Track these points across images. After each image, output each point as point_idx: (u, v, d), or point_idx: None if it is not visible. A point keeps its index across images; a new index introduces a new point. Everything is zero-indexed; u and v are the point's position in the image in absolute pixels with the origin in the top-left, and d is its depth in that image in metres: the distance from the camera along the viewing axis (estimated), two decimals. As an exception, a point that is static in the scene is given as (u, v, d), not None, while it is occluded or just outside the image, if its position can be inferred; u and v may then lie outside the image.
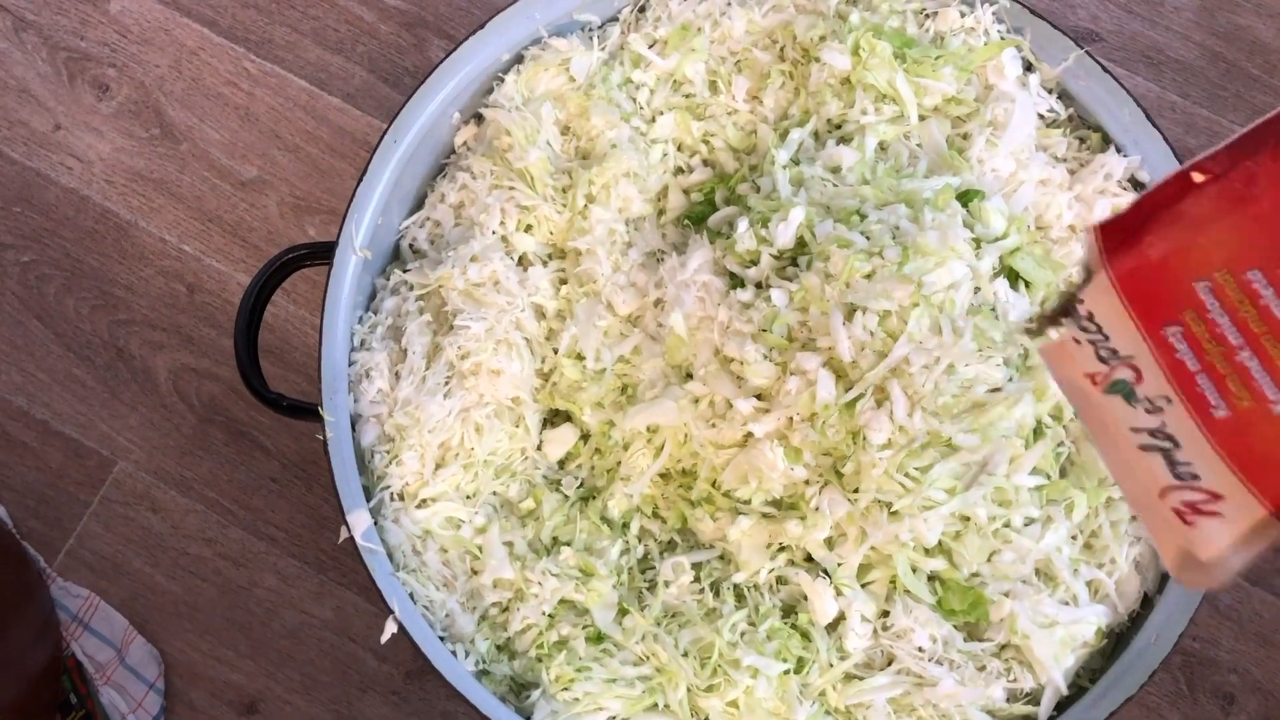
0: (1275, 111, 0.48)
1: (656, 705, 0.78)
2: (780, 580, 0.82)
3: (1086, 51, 0.85)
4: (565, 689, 0.78)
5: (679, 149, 0.90)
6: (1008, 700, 0.79)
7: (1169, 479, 0.48)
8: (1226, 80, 1.16)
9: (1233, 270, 0.47)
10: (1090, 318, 0.52)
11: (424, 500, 0.82)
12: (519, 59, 0.90)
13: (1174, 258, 0.49)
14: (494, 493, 0.85)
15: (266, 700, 1.06)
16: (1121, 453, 0.50)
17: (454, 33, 1.19)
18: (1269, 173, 0.47)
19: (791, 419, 0.78)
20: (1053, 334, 0.53)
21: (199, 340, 1.13)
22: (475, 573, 0.82)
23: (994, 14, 0.88)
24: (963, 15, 0.88)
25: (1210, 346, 0.47)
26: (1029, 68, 0.89)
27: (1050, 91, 0.89)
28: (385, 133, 0.84)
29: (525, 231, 0.88)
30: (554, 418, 0.88)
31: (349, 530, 0.78)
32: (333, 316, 0.82)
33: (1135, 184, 0.87)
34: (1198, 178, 0.49)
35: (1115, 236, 0.51)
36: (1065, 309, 0.53)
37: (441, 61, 0.85)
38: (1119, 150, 0.87)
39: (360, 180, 0.84)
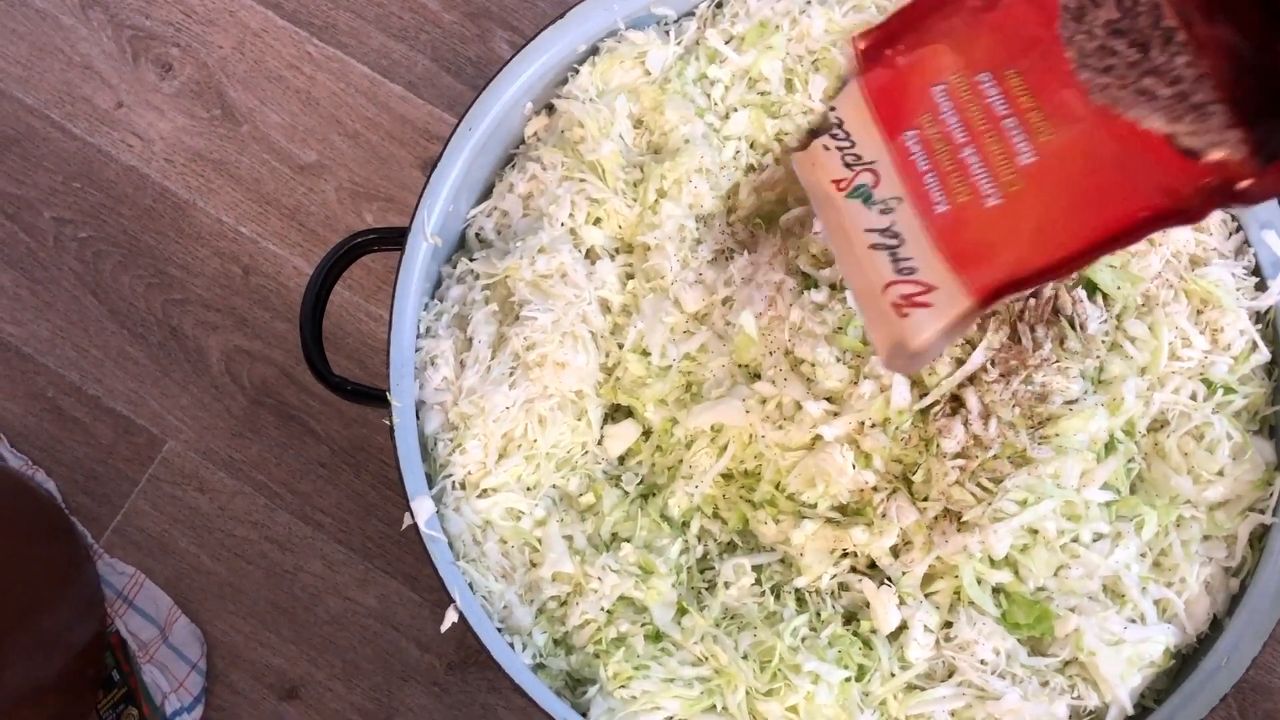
0: None
1: (715, 707, 0.77)
2: (842, 587, 0.81)
3: None
4: (623, 686, 0.77)
5: (752, 147, 0.89)
6: (1071, 718, 0.77)
7: (891, 274, 0.52)
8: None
9: (966, 73, 0.50)
10: (840, 125, 0.56)
11: (485, 490, 0.81)
12: (594, 51, 0.90)
13: (917, 65, 0.53)
14: (554, 485, 0.84)
15: (307, 685, 1.06)
16: (855, 253, 0.54)
17: (517, 24, 1.18)
18: None
19: (863, 423, 0.77)
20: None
21: (253, 322, 1.13)
22: (534, 565, 0.81)
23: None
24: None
25: (940, 147, 0.50)
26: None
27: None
28: (460, 121, 0.83)
29: (594, 224, 0.87)
30: (615, 413, 0.87)
31: (412, 517, 0.77)
32: (403, 302, 0.81)
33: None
34: None
35: (871, 49, 0.55)
36: (825, 125, 0.56)
37: (518, 51, 0.85)
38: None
39: (434, 167, 0.83)
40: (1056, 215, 0.47)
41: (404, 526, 0.78)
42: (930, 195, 0.51)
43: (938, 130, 0.51)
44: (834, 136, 0.56)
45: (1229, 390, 0.81)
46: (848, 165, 0.54)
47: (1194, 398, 0.81)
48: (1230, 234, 0.85)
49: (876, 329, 0.54)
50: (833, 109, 0.56)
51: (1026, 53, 0.49)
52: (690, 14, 0.91)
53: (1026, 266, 0.47)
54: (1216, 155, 0.43)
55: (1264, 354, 0.82)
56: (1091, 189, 0.46)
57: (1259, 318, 0.83)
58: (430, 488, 0.81)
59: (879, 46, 0.55)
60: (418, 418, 0.83)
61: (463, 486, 0.82)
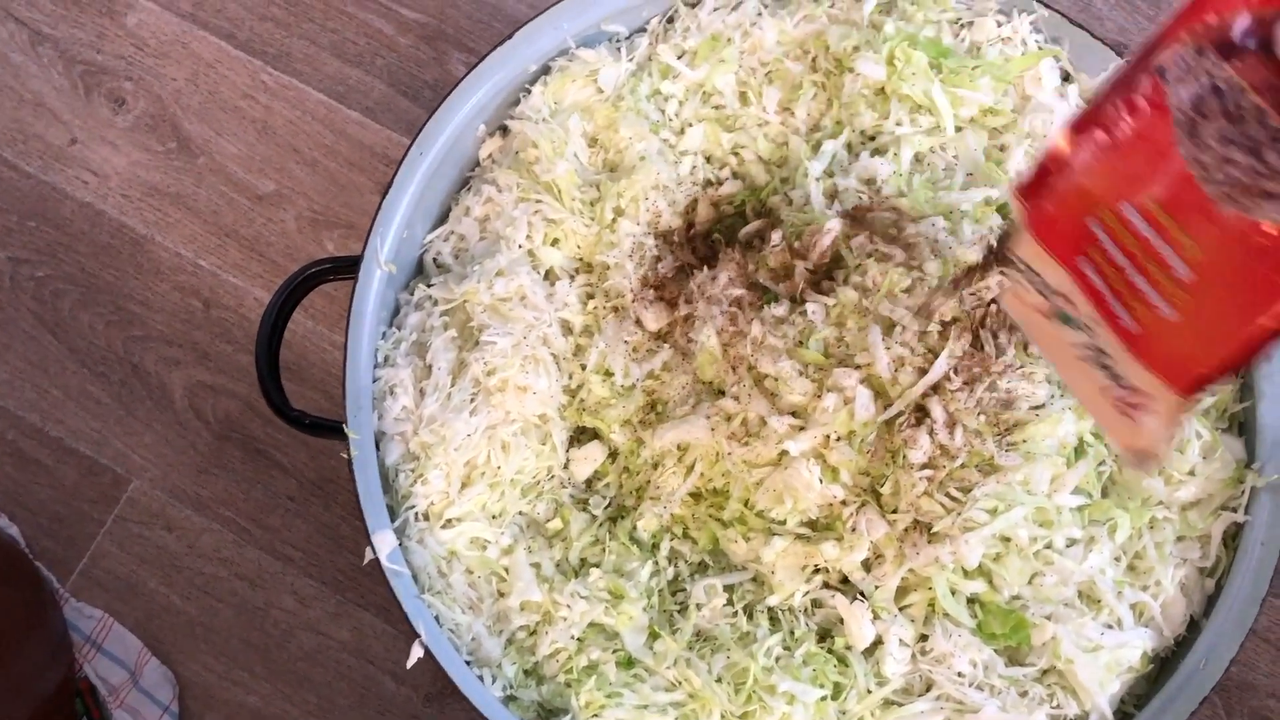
0: (1120, 67, 0.54)
1: (690, 732, 0.75)
2: (815, 603, 0.80)
3: (1128, 61, 0.83)
4: (595, 716, 0.76)
5: (708, 161, 0.88)
6: (1051, 727, 0.77)
7: (1105, 381, 0.56)
8: (1257, 93, 1.14)
9: (1110, 207, 0.54)
10: (1026, 264, 0.61)
11: (449, 520, 0.80)
12: (546, 70, 0.89)
13: (1067, 204, 0.57)
14: (520, 512, 0.83)
15: (283, 724, 1.04)
16: (1070, 366, 0.58)
17: (474, 46, 1.17)
18: (1118, 116, 0.55)
19: (828, 437, 0.76)
20: (994, 280, 0.63)
21: (215, 356, 1.11)
22: (502, 595, 0.80)
23: (1031, 23, 0.86)
24: (999, 25, 0.86)
25: (1110, 272, 0.55)
26: (1067, 78, 0.87)
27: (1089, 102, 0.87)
28: (411, 144, 0.83)
29: (552, 245, 0.86)
30: (581, 435, 0.86)
31: (374, 552, 0.76)
32: (357, 332, 0.80)
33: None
34: (1073, 134, 0.57)
35: (1027, 194, 0.60)
36: (995, 259, 0.63)
37: (468, 73, 0.84)
38: (1160, 162, 0.85)
39: (385, 193, 0.82)
40: (1229, 317, 0.50)
41: (365, 561, 0.76)
42: (1116, 314, 0.55)
43: (1103, 258, 0.55)
44: (1023, 273, 0.61)
45: (1197, 389, 0.80)
46: (1043, 294, 0.59)
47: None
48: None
49: (1111, 430, 0.59)
50: (1014, 252, 0.61)
51: (1156, 178, 0.52)
52: (641, 30, 0.90)
53: (1220, 361, 0.51)
54: None
55: (1230, 351, 0.81)
56: (1249, 289, 0.49)
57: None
58: (393, 520, 0.79)
59: (1034, 192, 0.60)
60: (378, 449, 0.81)
61: (426, 517, 0.81)
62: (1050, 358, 0.64)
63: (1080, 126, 0.57)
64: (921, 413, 0.75)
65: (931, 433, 0.74)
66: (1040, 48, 0.87)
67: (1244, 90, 0.46)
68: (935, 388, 0.74)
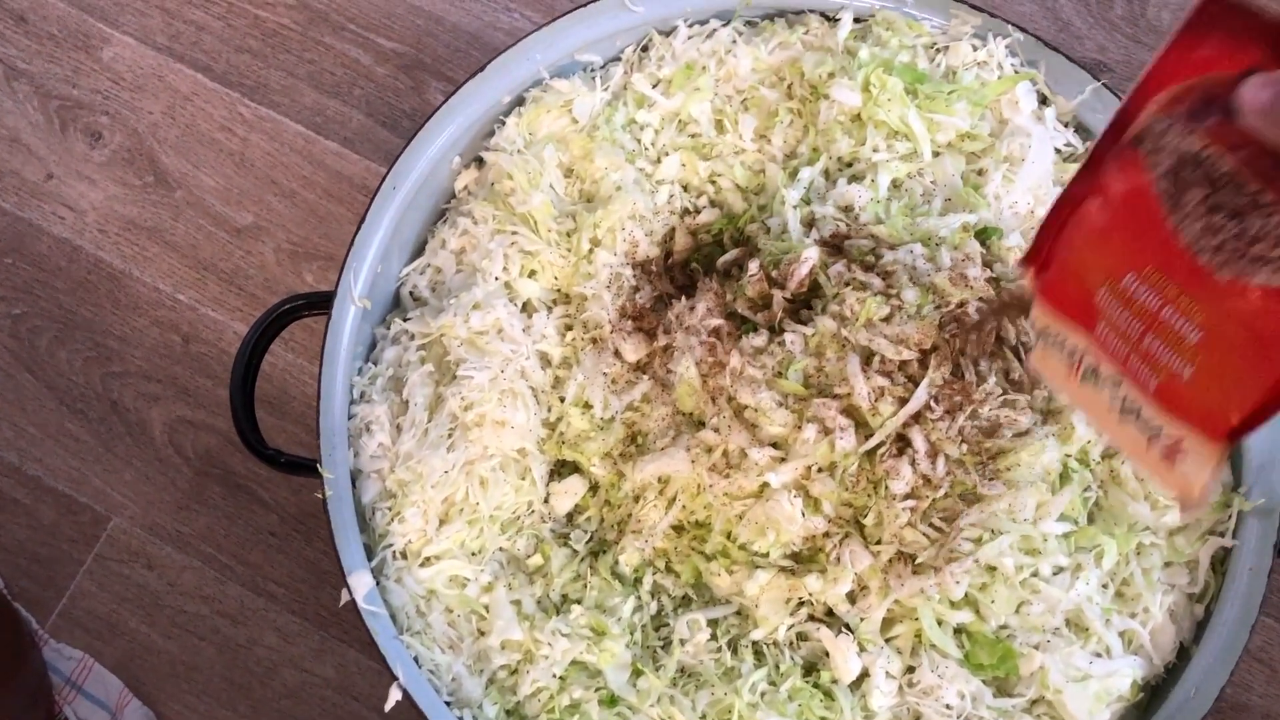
0: (1097, 142, 0.54)
1: (674, 772, 0.74)
2: (800, 637, 0.79)
3: (1104, 84, 0.83)
4: (578, 755, 0.74)
5: (685, 190, 0.88)
6: (1041, 759, 0.75)
7: (1146, 433, 0.56)
8: (1239, 109, 1.14)
9: (1113, 280, 0.55)
10: (1048, 330, 0.61)
11: (428, 559, 0.79)
12: (520, 101, 0.88)
13: (1072, 280, 0.58)
14: (500, 549, 0.82)
15: (267, 763, 1.03)
16: (1111, 423, 0.58)
17: (452, 75, 1.17)
18: (1104, 190, 0.54)
19: (810, 468, 0.75)
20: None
21: (195, 391, 1.10)
22: (482, 633, 0.79)
23: (1007, 47, 0.86)
24: (975, 49, 0.86)
25: (1128, 337, 0.55)
26: (1044, 101, 0.87)
27: (1067, 125, 0.86)
28: (384, 178, 0.82)
29: (529, 277, 0.85)
30: (561, 469, 0.85)
31: (350, 593, 0.75)
32: (331, 370, 0.79)
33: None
34: (1069, 193, 0.57)
35: (1032, 264, 0.60)
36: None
37: (441, 105, 0.83)
38: (1139, 184, 0.84)
39: (359, 228, 0.81)
40: (1246, 375, 0.51)
41: (341, 603, 0.75)
42: (1140, 374, 0.55)
43: (1117, 325, 0.56)
44: (1046, 340, 0.61)
45: (1182, 412, 0.79)
46: (1071, 358, 0.60)
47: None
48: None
49: (1161, 481, 0.59)
50: (1037, 322, 0.62)
51: (1151, 249, 0.52)
52: (616, 59, 0.90)
53: (1251, 413, 0.51)
54: None
55: (1214, 373, 0.80)
56: (1259, 346, 0.50)
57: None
58: (370, 559, 0.78)
59: (1039, 262, 0.60)
60: (354, 486, 0.80)
61: (404, 556, 0.79)
62: (1089, 416, 0.63)
63: (1073, 194, 0.57)
64: (903, 442, 0.74)
65: (913, 463, 0.73)
66: (1016, 71, 0.86)
67: (1218, 157, 0.46)
68: (916, 417, 0.73)
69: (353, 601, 0.77)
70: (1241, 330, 0.50)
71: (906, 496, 0.74)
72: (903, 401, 0.73)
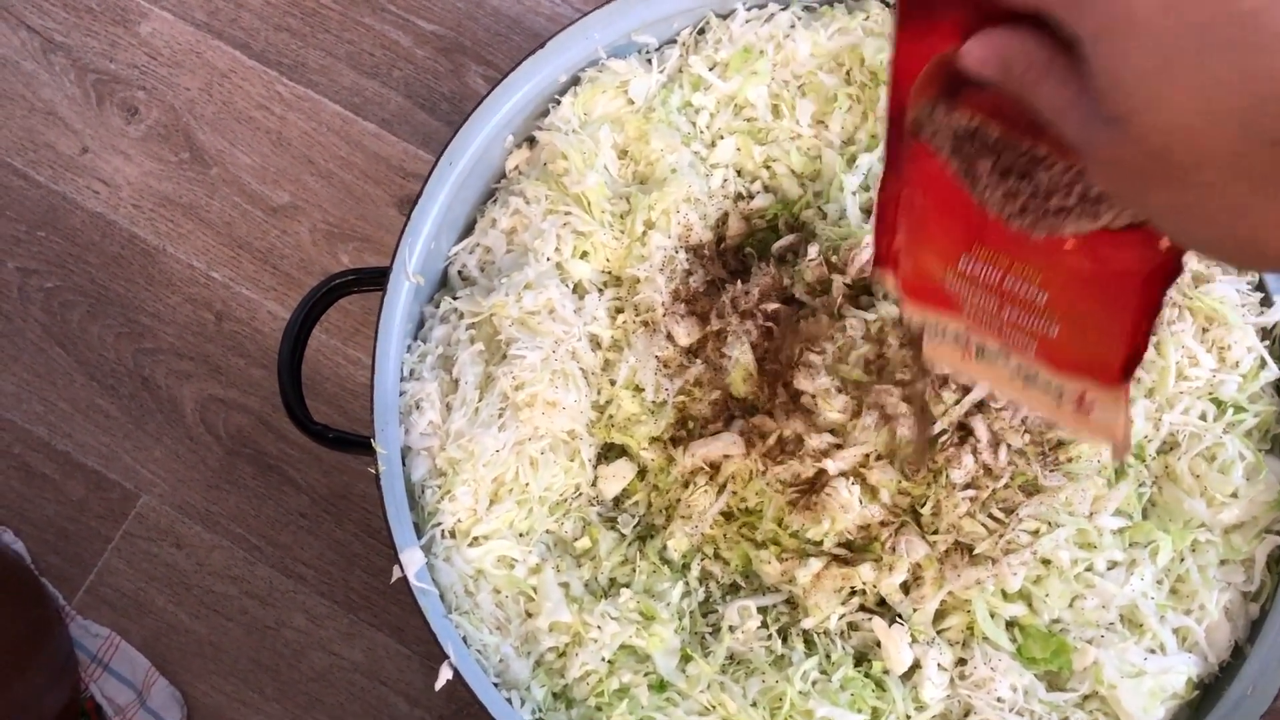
0: (883, 143, 0.54)
1: (724, 758, 0.73)
2: (852, 626, 0.78)
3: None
4: (627, 740, 0.73)
5: (740, 174, 0.87)
6: (1093, 755, 0.75)
7: (1052, 397, 0.55)
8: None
9: (950, 264, 0.54)
10: (925, 323, 0.59)
11: (477, 538, 0.78)
12: (575, 81, 0.87)
13: (920, 270, 0.57)
14: (548, 530, 0.81)
15: (293, 747, 1.02)
16: (1018, 393, 0.57)
17: (491, 58, 1.16)
18: (911, 183, 0.54)
19: (868, 456, 0.74)
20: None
21: (227, 370, 1.09)
22: (530, 615, 0.78)
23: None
24: (1037, 38, 0.85)
25: (990, 311, 0.55)
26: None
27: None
28: (440, 155, 0.81)
29: (581, 258, 0.84)
30: (609, 453, 0.84)
31: (401, 569, 0.74)
32: (385, 345, 0.78)
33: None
34: (884, 195, 0.56)
35: (884, 265, 0.59)
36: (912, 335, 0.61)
37: (498, 83, 0.82)
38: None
39: (415, 203, 0.80)
40: (1103, 316, 0.51)
41: (393, 579, 0.74)
42: (1018, 341, 0.55)
43: (975, 304, 0.55)
44: (930, 333, 0.60)
45: (1239, 409, 0.79)
46: (959, 342, 0.59)
47: (1204, 418, 0.79)
48: (1231, 249, 0.83)
49: (1086, 433, 0.59)
50: (908, 320, 0.61)
51: (969, 227, 0.52)
52: (672, 41, 0.89)
53: (1129, 350, 0.51)
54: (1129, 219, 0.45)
55: (1273, 371, 0.80)
56: (1100, 289, 0.50)
57: (1266, 334, 0.81)
58: (419, 537, 0.77)
59: (891, 265, 0.60)
60: (403, 464, 0.79)
61: (453, 535, 0.78)
62: (998, 390, 0.63)
63: (888, 202, 0.57)
64: (965, 431, 0.73)
65: (975, 452, 0.72)
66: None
67: (985, 124, 0.46)
68: (979, 406, 0.72)
69: (385, 582, 0.76)
70: (1078, 280, 0.50)
71: (966, 486, 0.73)
72: (966, 390, 0.72)
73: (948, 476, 0.73)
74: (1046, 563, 0.76)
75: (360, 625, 1.04)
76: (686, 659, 0.76)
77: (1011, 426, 0.72)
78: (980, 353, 0.57)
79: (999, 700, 0.75)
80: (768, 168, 0.86)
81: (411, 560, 0.74)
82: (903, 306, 0.60)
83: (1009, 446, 0.73)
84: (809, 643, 0.77)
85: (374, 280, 0.81)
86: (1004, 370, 0.57)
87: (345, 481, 1.07)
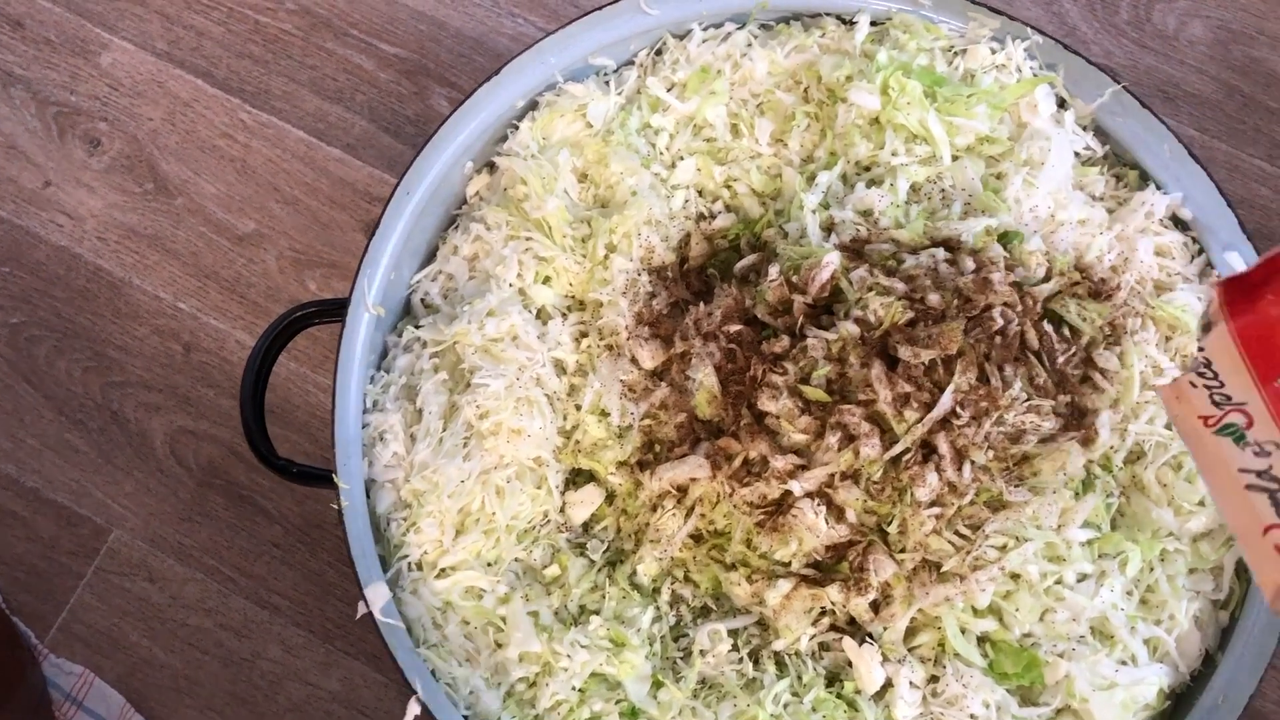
0: None
1: (697, 784, 0.73)
2: (823, 647, 0.78)
3: (1124, 87, 0.82)
4: (599, 769, 0.73)
5: (701, 194, 0.87)
6: (1067, 769, 0.75)
7: (1273, 517, 0.51)
8: (1244, 114, 1.14)
9: None
10: (1208, 365, 0.54)
11: (444, 570, 0.78)
12: (533, 105, 0.87)
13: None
14: (516, 559, 0.81)
15: (272, 780, 1.01)
16: (1228, 489, 0.53)
17: (455, 80, 1.16)
18: None
19: (833, 476, 0.74)
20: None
21: (196, 401, 1.09)
22: (500, 645, 0.78)
23: (1025, 50, 0.85)
24: (993, 52, 0.85)
25: None
26: (1063, 104, 0.86)
27: (1085, 128, 0.86)
28: (397, 184, 0.81)
29: (543, 283, 0.84)
30: (576, 478, 0.84)
31: (367, 605, 0.73)
32: (345, 378, 0.78)
33: (1178, 222, 0.84)
34: None
35: (1236, 292, 0.53)
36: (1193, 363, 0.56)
37: (456, 109, 0.82)
38: (1159, 187, 0.84)
39: (372, 234, 0.80)
40: None
41: (359, 615, 0.74)
42: None
43: None
44: (1200, 374, 0.55)
45: (1204, 417, 0.79)
46: (1215, 403, 0.54)
47: (1169, 427, 0.79)
48: (1193, 257, 0.84)
49: (1260, 568, 0.53)
50: (1201, 349, 0.55)
51: None
52: (630, 63, 0.89)
53: None
54: None
55: (1236, 378, 0.79)
56: None
57: (1228, 341, 0.81)
58: (385, 571, 0.77)
59: (1247, 293, 0.54)
60: (368, 497, 0.79)
61: (419, 567, 0.78)
62: (1204, 474, 0.57)
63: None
64: (928, 449, 0.73)
65: (939, 469, 0.72)
66: (1035, 74, 0.85)
67: None
68: (942, 423, 0.72)
69: (366, 614, 0.76)
70: None
71: (932, 504, 0.73)
72: (928, 407, 0.72)
73: (913, 495, 0.73)
74: (1016, 577, 0.75)
75: (337, 654, 1.03)
76: (658, 685, 0.76)
77: (974, 443, 0.72)
78: (1230, 429, 0.53)
79: (972, 717, 0.75)
80: (728, 187, 0.86)
81: (376, 595, 0.74)
82: (1214, 330, 0.54)
83: (973, 463, 0.73)
84: (780, 665, 0.77)
85: (334, 312, 0.81)
86: (1236, 459, 0.52)
87: (318, 510, 1.06)
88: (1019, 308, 0.75)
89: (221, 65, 1.16)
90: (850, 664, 0.76)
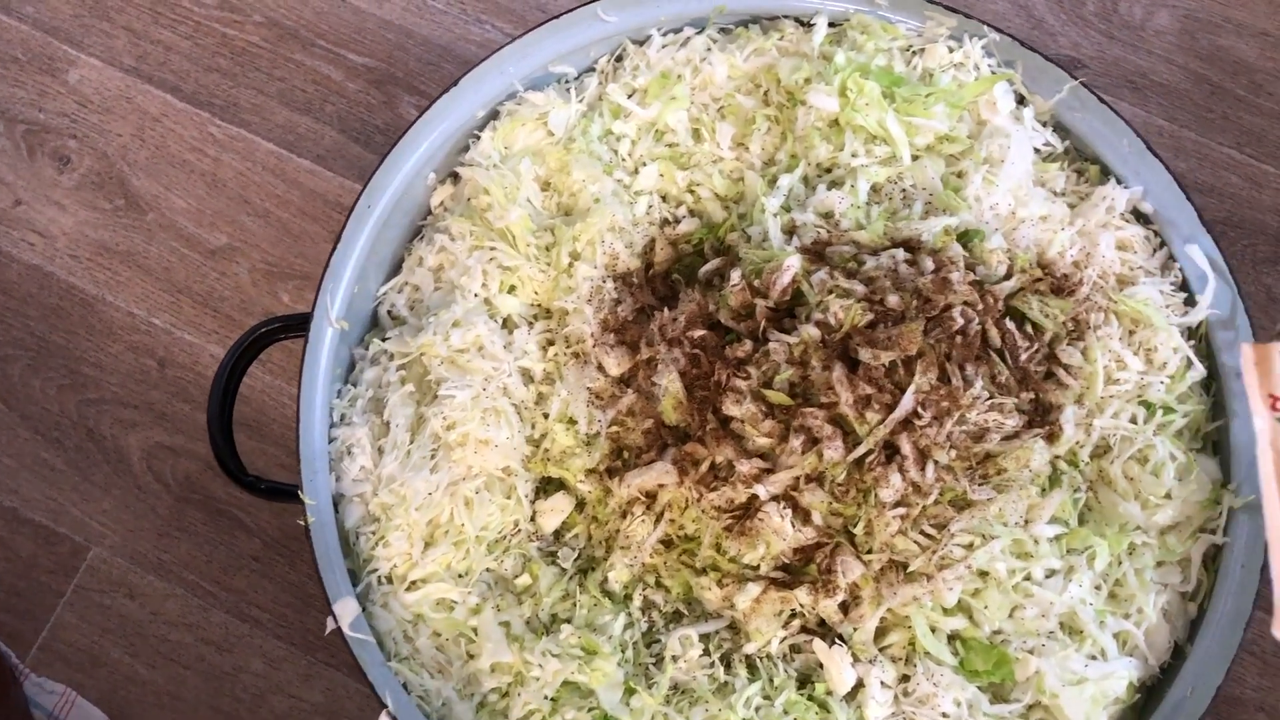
0: None
1: (671, 790, 0.73)
2: (794, 649, 0.78)
3: (1081, 82, 0.83)
4: (573, 778, 0.73)
5: (664, 200, 0.87)
6: (1039, 765, 0.75)
7: None
8: (1212, 102, 1.14)
9: None
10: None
11: (414, 582, 0.78)
12: (494, 115, 0.87)
13: None
14: (487, 569, 0.81)
15: (256, 793, 1.01)
16: (1276, 475, 0.51)
17: (424, 88, 1.16)
18: None
19: (798, 479, 0.74)
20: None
21: (172, 416, 1.09)
22: (471, 657, 0.78)
23: (983, 48, 0.86)
24: (951, 50, 0.85)
25: None
26: (1022, 101, 0.87)
27: (1045, 124, 0.86)
28: (359, 197, 0.81)
29: (508, 293, 0.84)
30: (546, 486, 0.84)
31: (335, 621, 0.73)
32: (310, 393, 0.78)
33: (1139, 216, 0.84)
34: None
35: None
36: None
37: (415, 121, 0.82)
38: (1119, 182, 0.84)
39: (334, 248, 0.80)
40: None
41: (327, 631, 0.74)
42: None
43: None
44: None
45: (1168, 410, 0.79)
46: None
47: (1134, 421, 0.79)
48: (1154, 250, 0.84)
49: None
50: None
51: None
52: (590, 70, 0.89)
53: None
54: None
55: (1199, 370, 0.80)
56: None
57: (1191, 333, 0.81)
58: (355, 585, 0.77)
59: None
60: (336, 511, 0.79)
61: (389, 580, 0.78)
62: (1259, 449, 0.56)
63: None
64: (891, 450, 0.73)
65: (902, 470, 0.72)
66: (993, 72, 0.86)
67: None
68: (904, 424, 0.72)
69: (339, 629, 0.76)
70: None
71: (896, 504, 0.73)
72: (889, 409, 0.72)
73: (877, 496, 0.73)
74: (984, 574, 0.76)
75: (318, 666, 1.03)
76: (630, 692, 0.77)
77: (937, 443, 0.73)
78: None
79: (944, 715, 0.75)
80: (691, 192, 0.87)
81: (345, 610, 0.74)
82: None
83: (936, 463, 0.73)
84: (752, 668, 0.77)
85: (299, 327, 0.81)
86: None
87: (297, 523, 1.05)
88: (979, 306, 0.75)
89: (190, 79, 1.16)
90: (821, 665, 0.76)
